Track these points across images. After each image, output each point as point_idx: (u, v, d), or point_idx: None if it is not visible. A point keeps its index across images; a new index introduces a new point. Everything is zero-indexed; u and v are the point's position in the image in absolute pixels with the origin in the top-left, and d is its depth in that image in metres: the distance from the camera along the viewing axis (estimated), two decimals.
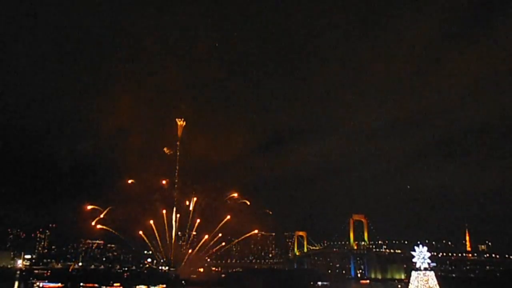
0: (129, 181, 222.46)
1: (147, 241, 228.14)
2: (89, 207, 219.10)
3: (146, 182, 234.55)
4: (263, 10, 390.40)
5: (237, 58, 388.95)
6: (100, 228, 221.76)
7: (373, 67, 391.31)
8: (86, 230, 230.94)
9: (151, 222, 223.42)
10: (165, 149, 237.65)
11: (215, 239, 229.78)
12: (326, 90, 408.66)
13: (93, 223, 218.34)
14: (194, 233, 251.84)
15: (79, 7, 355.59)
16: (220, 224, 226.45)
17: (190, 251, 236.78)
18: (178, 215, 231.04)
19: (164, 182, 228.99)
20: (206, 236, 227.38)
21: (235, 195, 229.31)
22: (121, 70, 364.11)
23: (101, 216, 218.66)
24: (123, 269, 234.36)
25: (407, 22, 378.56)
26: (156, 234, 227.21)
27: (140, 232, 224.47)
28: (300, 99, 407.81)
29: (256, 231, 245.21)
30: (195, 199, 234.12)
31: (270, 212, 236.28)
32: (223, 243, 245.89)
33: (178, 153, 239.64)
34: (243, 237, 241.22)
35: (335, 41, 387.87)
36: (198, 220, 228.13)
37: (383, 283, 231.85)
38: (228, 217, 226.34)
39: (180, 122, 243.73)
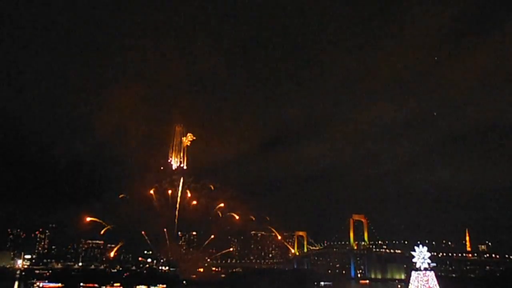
0: (120, 196, 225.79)
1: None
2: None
3: (146, 182, 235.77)
4: (268, 6, 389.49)
5: (238, 57, 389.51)
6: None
7: (376, 68, 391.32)
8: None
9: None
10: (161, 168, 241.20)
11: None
12: (327, 91, 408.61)
13: None
14: (194, 233, 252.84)
15: (77, 5, 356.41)
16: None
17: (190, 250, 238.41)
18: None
19: (152, 191, 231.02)
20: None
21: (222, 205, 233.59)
22: (121, 68, 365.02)
23: None
24: (120, 269, 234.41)
25: (413, 20, 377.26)
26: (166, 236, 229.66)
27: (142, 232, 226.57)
28: (301, 99, 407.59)
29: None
30: (194, 202, 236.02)
31: (267, 218, 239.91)
32: (231, 249, 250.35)
33: (183, 162, 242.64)
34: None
35: (340, 40, 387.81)
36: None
37: (383, 283, 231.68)
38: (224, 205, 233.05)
39: (179, 129, 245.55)
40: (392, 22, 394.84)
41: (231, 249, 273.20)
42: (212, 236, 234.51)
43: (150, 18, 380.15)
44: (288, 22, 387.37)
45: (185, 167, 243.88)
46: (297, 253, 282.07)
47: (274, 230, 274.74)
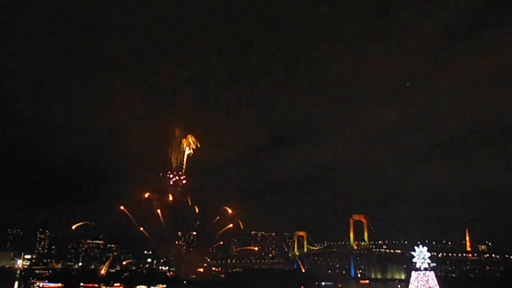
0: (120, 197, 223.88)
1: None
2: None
3: (146, 183, 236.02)
4: (270, 10, 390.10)
5: (239, 58, 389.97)
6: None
7: (376, 69, 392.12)
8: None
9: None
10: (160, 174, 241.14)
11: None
12: (327, 93, 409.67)
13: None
14: (194, 233, 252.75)
15: (79, 8, 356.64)
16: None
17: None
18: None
19: (147, 195, 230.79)
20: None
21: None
22: (121, 70, 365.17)
23: None
24: (119, 269, 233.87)
25: (413, 22, 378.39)
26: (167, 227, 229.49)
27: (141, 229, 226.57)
28: (301, 101, 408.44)
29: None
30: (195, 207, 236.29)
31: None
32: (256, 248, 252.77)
33: (184, 165, 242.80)
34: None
35: (340, 43, 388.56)
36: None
37: (383, 283, 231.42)
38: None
39: (179, 132, 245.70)
40: (392, 23, 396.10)
41: (256, 248, 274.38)
42: (231, 225, 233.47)
43: (151, 20, 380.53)
44: (287, 25, 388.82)
45: (183, 172, 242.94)
46: (297, 253, 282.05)
47: (285, 246, 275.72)
